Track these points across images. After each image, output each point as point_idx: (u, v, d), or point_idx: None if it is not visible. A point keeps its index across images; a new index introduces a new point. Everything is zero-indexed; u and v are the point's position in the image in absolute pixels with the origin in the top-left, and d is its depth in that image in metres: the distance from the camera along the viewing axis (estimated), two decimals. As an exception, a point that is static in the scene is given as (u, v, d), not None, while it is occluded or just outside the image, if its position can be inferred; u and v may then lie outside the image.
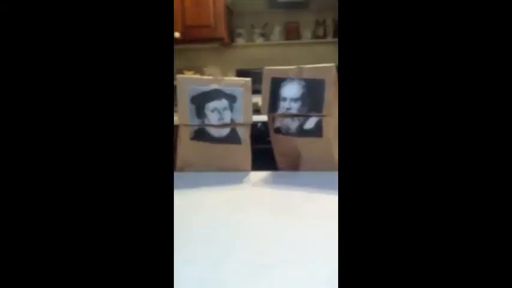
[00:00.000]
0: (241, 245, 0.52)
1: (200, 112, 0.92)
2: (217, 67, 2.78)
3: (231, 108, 0.92)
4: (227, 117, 0.92)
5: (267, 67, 0.95)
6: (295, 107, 0.90)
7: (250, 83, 0.92)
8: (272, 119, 0.96)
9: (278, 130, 0.95)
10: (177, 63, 2.64)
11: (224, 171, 0.93)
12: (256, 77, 1.01)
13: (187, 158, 0.94)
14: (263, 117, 0.97)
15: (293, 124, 0.91)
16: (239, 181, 0.86)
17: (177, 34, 2.37)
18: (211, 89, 0.92)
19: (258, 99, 0.96)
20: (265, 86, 0.94)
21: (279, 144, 0.97)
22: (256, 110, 0.99)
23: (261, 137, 1.56)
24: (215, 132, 0.93)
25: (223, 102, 0.92)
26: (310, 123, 0.89)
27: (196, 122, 0.92)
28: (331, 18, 2.66)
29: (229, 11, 2.63)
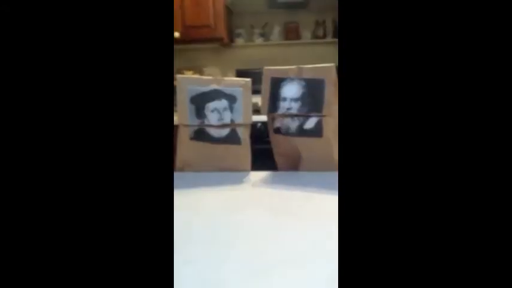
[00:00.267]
0: (241, 245, 0.52)
1: (200, 112, 0.92)
2: (217, 67, 2.78)
3: (231, 109, 0.92)
4: (227, 117, 0.92)
5: (266, 67, 0.95)
6: (295, 107, 0.90)
7: (250, 84, 0.92)
8: (272, 119, 0.96)
9: (278, 130, 0.95)
10: (177, 63, 2.64)
11: (224, 171, 0.93)
12: (255, 77, 1.01)
13: (187, 158, 0.94)
14: (263, 117, 0.97)
15: (293, 124, 0.91)
16: (239, 181, 0.86)
17: (176, 34, 2.37)
18: (211, 89, 0.92)
19: (257, 100, 0.96)
20: (265, 86, 0.94)
21: (279, 145, 0.97)
22: (256, 110, 0.99)
23: (260, 137, 1.56)
24: (215, 132, 0.93)
25: (223, 103, 0.92)
26: (310, 123, 0.89)
27: (196, 122, 0.92)
28: (330, 18, 2.67)
29: (229, 11, 2.63)
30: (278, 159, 0.99)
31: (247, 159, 0.95)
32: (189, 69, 2.66)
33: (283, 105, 0.91)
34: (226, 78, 0.94)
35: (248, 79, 0.93)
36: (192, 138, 0.93)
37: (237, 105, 0.92)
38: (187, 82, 0.93)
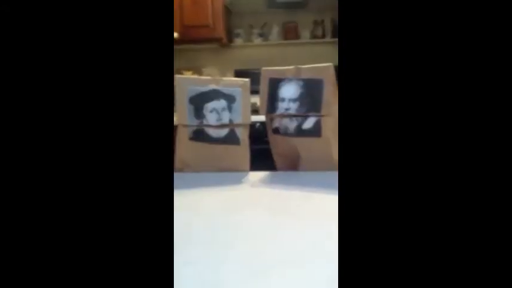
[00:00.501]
0: (240, 245, 0.52)
1: (199, 112, 0.92)
2: (216, 67, 2.78)
3: (230, 109, 0.92)
4: (226, 117, 0.92)
5: (264, 68, 0.95)
6: (293, 107, 0.90)
7: (249, 84, 0.92)
8: (270, 119, 0.96)
9: (276, 130, 0.95)
10: (176, 63, 2.65)
11: (223, 171, 0.93)
12: (254, 77, 1.01)
13: (186, 159, 0.94)
14: (262, 118, 0.97)
15: (291, 124, 0.91)
16: (238, 181, 0.86)
17: (175, 34, 2.37)
18: (209, 89, 0.92)
19: (256, 100, 0.96)
20: (263, 87, 0.93)
21: (278, 145, 0.97)
22: (255, 111, 0.99)
23: (259, 137, 1.56)
24: (214, 132, 0.93)
25: (221, 103, 0.92)
26: (309, 123, 0.89)
27: (195, 122, 0.92)
28: (329, 18, 2.67)
29: (228, 11, 2.63)
30: (277, 159, 0.99)
31: (246, 159, 0.95)
32: (187, 69, 2.66)
33: (282, 106, 0.91)
34: (225, 78, 0.94)
35: (247, 79, 0.93)
36: (191, 139, 0.93)
37: (236, 106, 0.92)
38: (186, 82, 0.93)
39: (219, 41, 2.54)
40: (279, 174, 0.95)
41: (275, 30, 2.72)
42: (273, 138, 0.97)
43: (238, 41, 2.73)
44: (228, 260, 0.47)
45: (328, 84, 0.86)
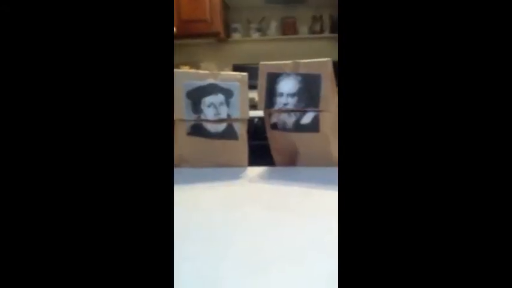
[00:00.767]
0: (239, 241, 0.52)
1: (196, 107, 0.91)
2: (214, 62, 2.77)
3: (228, 104, 0.91)
4: (223, 112, 0.91)
5: (262, 62, 0.94)
6: (291, 103, 0.89)
7: (246, 78, 0.92)
8: (268, 114, 0.95)
9: (275, 126, 0.94)
10: (174, 58, 2.63)
11: (221, 166, 0.93)
12: (252, 72, 1.00)
13: (184, 154, 0.94)
14: (260, 113, 0.97)
15: (290, 119, 0.91)
16: (236, 177, 0.86)
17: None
18: (207, 83, 0.91)
19: (254, 95, 0.96)
20: (261, 82, 0.93)
21: (276, 140, 0.96)
22: (253, 106, 0.99)
23: (258, 132, 1.56)
24: (211, 127, 0.93)
25: (219, 97, 0.91)
26: (307, 119, 0.89)
27: (193, 117, 0.92)
28: (328, 13, 2.66)
29: (226, 6, 2.61)
30: (275, 155, 0.99)
31: (245, 154, 0.95)
32: (185, 64, 2.65)
33: (280, 101, 0.91)
34: (222, 73, 0.94)
35: (245, 74, 0.92)
36: (188, 134, 0.93)
37: (234, 100, 0.91)
38: (183, 77, 0.92)
39: (216, 35, 2.53)
40: (277, 169, 0.94)
41: (273, 25, 2.71)
42: (271, 133, 0.96)
43: (236, 36, 2.72)
44: (227, 256, 0.47)
45: (326, 79, 0.86)
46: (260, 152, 1.09)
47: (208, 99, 0.91)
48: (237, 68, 2.60)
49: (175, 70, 0.94)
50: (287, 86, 0.90)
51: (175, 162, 0.94)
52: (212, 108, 0.91)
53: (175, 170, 0.89)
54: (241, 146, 0.94)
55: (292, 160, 0.95)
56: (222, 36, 2.55)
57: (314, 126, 0.88)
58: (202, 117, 0.92)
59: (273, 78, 0.92)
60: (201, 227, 0.57)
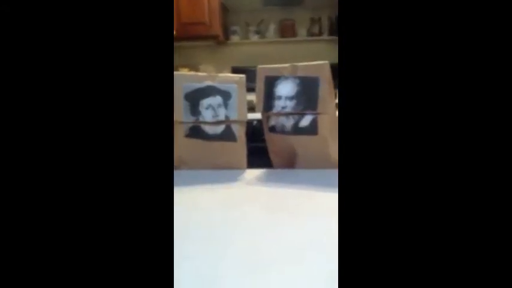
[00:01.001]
0: (238, 242, 0.52)
1: (194, 109, 0.92)
2: (212, 65, 2.78)
3: (226, 106, 0.91)
4: (222, 114, 0.91)
5: (260, 66, 0.94)
6: (290, 106, 0.90)
7: (244, 79, 0.92)
8: (267, 118, 0.95)
9: (273, 129, 0.94)
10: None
11: (219, 168, 0.93)
12: (251, 74, 1.00)
13: (182, 156, 0.94)
14: (259, 115, 0.97)
15: (288, 122, 0.91)
16: (234, 179, 0.86)
17: (171, 31, 2.35)
18: (205, 85, 0.91)
19: (253, 97, 0.96)
20: (260, 85, 0.93)
21: (274, 143, 0.97)
22: (252, 108, 0.99)
23: (256, 134, 1.56)
24: (210, 129, 0.93)
25: (217, 99, 0.91)
26: (305, 121, 0.89)
27: (191, 119, 0.92)
28: (326, 15, 2.67)
29: (224, 8, 2.62)
30: (273, 157, 0.99)
31: (243, 156, 0.95)
32: (184, 66, 2.65)
33: (278, 104, 0.91)
34: (220, 75, 0.94)
35: (243, 75, 0.92)
36: (187, 136, 0.93)
37: (232, 102, 0.91)
38: (181, 79, 0.92)
39: (215, 38, 2.53)
40: (275, 172, 0.94)
41: (272, 28, 2.71)
42: (269, 136, 0.97)
43: (234, 38, 2.72)
44: (226, 256, 0.47)
45: (324, 82, 0.86)
46: (259, 154, 1.09)
47: (206, 101, 0.91)
48: (235, 71, 2.60)
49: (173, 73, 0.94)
50: (285, 89, 0.90)
51: (174, 164, 0.94)
52: (210, 110, 0.91)
53: (174, 172, 0.89)
54: (239, 148, 0.94)
55: (290, 163, 0.96)
56: (220, 39, 2.56)
57: (312, 129, 0.88)
58: (201, 119, 0.92)
59: (271, 82, 0.92)
60: (201, 227, 0.57)
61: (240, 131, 0.93)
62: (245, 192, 0.77)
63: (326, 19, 2.66)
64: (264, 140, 0.98)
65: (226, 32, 2.71)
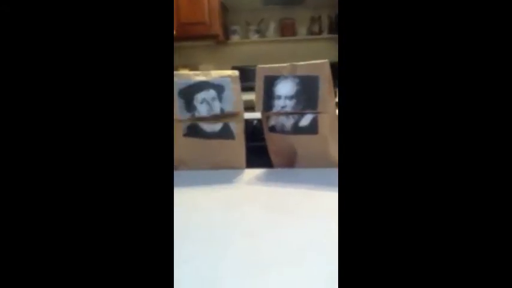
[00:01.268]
0: (238, 243, 0.51)
1: (189, 105, 0.91)
2: (213, 64, 2.77)
3: (220, 99, 0.91)
4: (216, 107, 0.91)
5: (259, 65, 0.94)
6: (290, 105, 0.89)
7: (237, 74, 0.92)
8: (266, 117, 0.95)
9: (273, 128, 0.94)
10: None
11: (218, 167, 0.93)
12: (252, 74, 1.00)
13: (181, 156, 0.94)
14: (258, 115, 0.96)
15: (288, 122, 0.91)
16: (233, 179, 0.86)
17: (171, 31, 2.35)
18: (198, 81, 0.92)
19: (253, 96, 0.95)
20: (259, 85, 0.93)
21: (274, 143, 0.96)
22: (251, 108, 0.99)
23: (256, 134, 1.55)
24: (207, 127, 0.92)
25: (211, 93, 0.91)
26: (306, 121, 0.89)
27: (187, 116, 0.91)
28: (326, 14, 2.66)
29: (224, 8, 2.61)
30: (273, 157, 0.98)
31: (242, 154, 0.94)
32: (184, 66, 2.65)
33: (278, 103, 0.90)
34: (213, 72, 0.94)
35: (236, 71, 0.93)
36: (185, 135, 0.93)
37: (226, 95, 0.91)
38: (175, 78, 0.92)
39: (215, 38, 2.52)
40: (275, 171, 0.94)
41: (272, 27, 2.71)
42: (269, 136, 0.96)
43: (234, 38, 2.72)
44: (226, 256, 0.47)
45: (324, 81, 0.86)
46: (258, 154, 1.09)
47: (200, 96, 0.91)
48: (236, 70, 2.60)
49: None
50: (285, 88, 0.90)
51: (174, 165, 0.94)
52: (205, 104, 0.91)
53: (174, 173, 0.89)
54: (238, 145, 0.93)
55: (290, 162, 0.95)
56: (221, 39, 2.55)
57: (313, 128, 0.88)
58: (196, 114, 0.91)
59: (271, 81, 0.91)
60: (200, 228, 0.57)
61: (238, 129, 0.92)
62: (245, 192, 0.77)
63: (326, 18, 2.65)
64: (263, 140, 0.98)
65: (226, 32, 2.71)
